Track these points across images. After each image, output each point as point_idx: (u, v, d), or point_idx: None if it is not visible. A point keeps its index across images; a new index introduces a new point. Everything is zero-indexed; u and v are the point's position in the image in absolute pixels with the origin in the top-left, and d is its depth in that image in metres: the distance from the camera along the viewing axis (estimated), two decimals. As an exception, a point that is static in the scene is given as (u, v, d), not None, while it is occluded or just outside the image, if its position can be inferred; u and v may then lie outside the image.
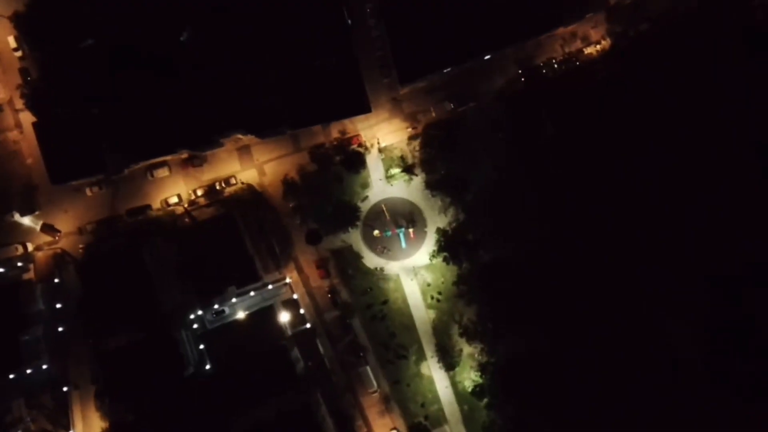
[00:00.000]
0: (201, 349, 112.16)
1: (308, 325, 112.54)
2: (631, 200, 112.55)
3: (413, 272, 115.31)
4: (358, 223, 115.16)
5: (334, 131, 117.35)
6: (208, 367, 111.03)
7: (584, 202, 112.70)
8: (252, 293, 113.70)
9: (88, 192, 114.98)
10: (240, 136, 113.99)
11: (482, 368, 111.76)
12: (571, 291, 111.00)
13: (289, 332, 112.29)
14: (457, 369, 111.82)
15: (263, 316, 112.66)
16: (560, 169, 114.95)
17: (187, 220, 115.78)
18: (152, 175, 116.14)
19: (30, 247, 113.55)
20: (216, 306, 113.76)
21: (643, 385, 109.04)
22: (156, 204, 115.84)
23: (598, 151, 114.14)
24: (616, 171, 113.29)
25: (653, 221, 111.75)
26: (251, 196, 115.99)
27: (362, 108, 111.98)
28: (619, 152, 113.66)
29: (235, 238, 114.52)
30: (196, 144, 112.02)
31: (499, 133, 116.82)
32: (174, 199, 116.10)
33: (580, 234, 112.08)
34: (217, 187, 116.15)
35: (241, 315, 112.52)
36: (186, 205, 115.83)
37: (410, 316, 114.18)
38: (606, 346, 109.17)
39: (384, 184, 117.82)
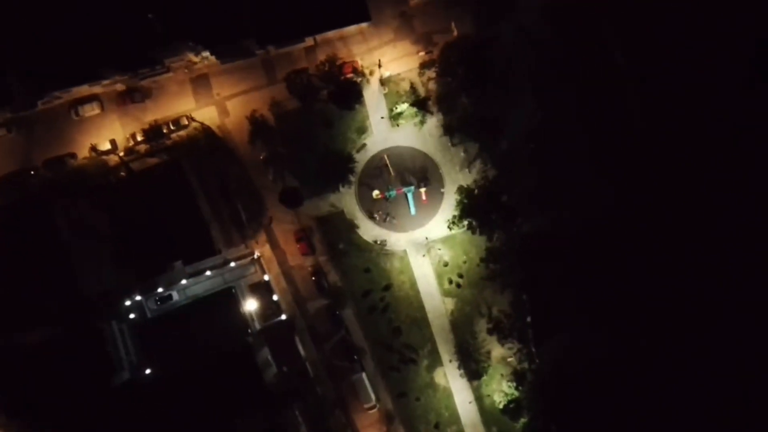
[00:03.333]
0: (139, 347, 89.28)
1: (284, 317, 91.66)
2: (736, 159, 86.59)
3: (426, 247, 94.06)
4: (353, 179, 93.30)
5: (321, 55, 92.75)
6: (147, 371, 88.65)
7: (665, 159, 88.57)
8: (208, 272, 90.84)
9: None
10: (192, 57, 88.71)
11: (518, 377, 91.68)
12: (641, 275, 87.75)
13: (258, 326, 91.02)
14: (484, 378, 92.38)
15: (223, 303, 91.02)
16: (629, 111, 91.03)
17: (122, 173, 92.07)
18: (78, 114, 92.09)
19: None
20: (160, 289, 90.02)
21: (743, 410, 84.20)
22: (82, 152, 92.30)
23: (687, 93, 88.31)
24: (713, 122, 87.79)
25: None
26: (209, 142, 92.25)
27: (358, 15, 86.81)
28: (720, 96, 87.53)
29: (185, 197, 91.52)
30: (130, 64, 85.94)
31: (546, 59, 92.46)
32: (106, 146, 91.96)
33: (658, 201, 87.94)
34: (164, 131, 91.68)
35: (193, 301, 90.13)
36: (122, 154, 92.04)
37: (421, 307, 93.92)
38: (689, 354, 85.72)
39: (387, 128, 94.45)
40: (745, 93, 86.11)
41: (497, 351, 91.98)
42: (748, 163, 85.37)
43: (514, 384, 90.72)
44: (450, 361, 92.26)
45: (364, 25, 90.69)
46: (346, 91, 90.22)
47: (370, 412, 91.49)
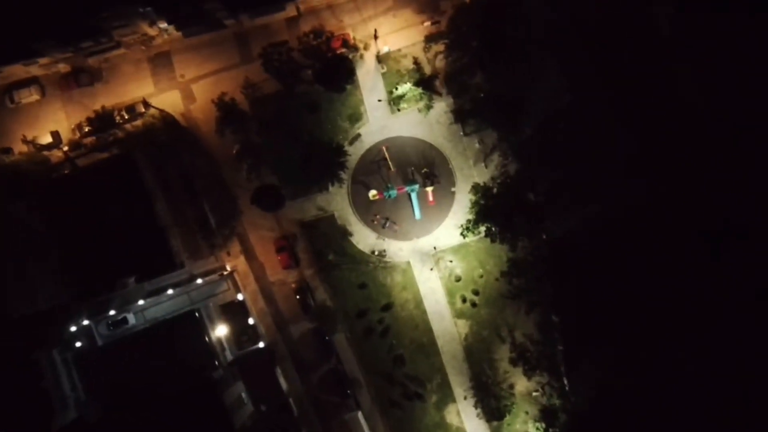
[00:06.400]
0: (87, 382, 75.74)
1: (262, 344, 79.88)
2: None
3: (433, 259, 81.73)
4: (345, 177, 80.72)
5: (305, 26, 79.59)
6: (97, 410, 74.83)
7: (720, 140, 74.32)
8: (171, 291, 77.50)
9: None
10: (146, 28, 74.50)
11: (548, 417, 79.70)
12: (695, 289, 73.81)
13: (231, 355, 78.17)
14: (506, 418, 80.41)
15: (189, 328, 77.64)
16: (677, 90, 76.79)
17: (66, 171, 79.63)
18: (13, 101, 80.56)
19: None
20: (113, 312, 76.18)
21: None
22: (18, 146, 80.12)
23: (740, 70, 74.36)
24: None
25: None
26: (170, 133, 79.38)
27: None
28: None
29: (139, 198, 78.98)
30: (67, 35, 71.69)
31: (575, 28, 78.35)
32: (47, 139, 79.69)
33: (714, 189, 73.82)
34: (117, 119, 78.77)
35: (152, 325, 76.87)
36: (66, 148, 79.31)
37: (428, 331, 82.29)
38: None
39: (386, 114, 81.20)
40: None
41: (522, 384, 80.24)
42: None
43: (543, 425, 78.97)
44: (464, 397, 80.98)
45: (356, -11, 77.75)
46: (336, 70, 77.29)
47: (368, 458, 78.12)
